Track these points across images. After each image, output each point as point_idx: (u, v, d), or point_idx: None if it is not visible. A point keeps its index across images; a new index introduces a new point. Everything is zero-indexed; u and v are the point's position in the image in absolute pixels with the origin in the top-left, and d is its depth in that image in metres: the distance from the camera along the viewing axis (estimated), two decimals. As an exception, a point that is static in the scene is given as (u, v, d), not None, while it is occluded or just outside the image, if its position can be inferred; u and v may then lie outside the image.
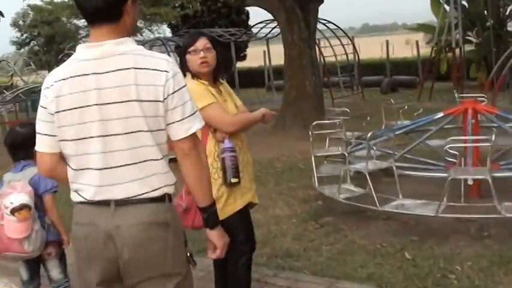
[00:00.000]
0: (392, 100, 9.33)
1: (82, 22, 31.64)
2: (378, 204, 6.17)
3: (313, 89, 13.70)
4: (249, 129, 4.21)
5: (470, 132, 6.88)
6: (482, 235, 5.89)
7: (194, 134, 2.59)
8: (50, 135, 2.58)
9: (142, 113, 2.47)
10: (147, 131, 2.49)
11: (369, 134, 6.91)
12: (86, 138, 2.50)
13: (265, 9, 14.01)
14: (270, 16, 17.92)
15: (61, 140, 2.56)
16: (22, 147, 4.14)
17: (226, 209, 3.95)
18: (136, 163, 2.52)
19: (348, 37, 20.19)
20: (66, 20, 31.72)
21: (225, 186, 3.93)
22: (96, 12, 2.50)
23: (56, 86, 2.52)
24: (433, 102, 16.95)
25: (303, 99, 13.33)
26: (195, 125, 2.57)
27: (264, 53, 23.89)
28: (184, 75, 3.57)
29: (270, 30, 20.47)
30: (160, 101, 2.48)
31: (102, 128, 2.48)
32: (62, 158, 2.63)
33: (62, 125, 2.52)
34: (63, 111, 2.50)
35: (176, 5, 28.89)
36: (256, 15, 30.21)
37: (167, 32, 31.67)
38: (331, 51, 19.73)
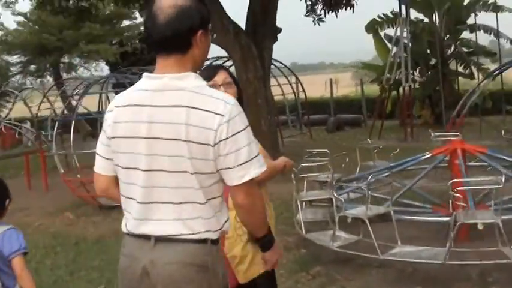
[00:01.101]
0: (369, 140, 9.06)
1: (13, 58, 30.69)
2: (379, 252, 5.79)
3: (268, 128, 13.37)
4: (272, 179, 3.75)
5: (464, 173, 6.63)
6: (486, 281, 5.64)
7: (250, 181, 2.45)
8: (105, 158, 2.62)
9: (189, 155, 2.38)
10: (193, 173, 2.40)
11: (353, 176, 6.58)
12: (134, 168, 2.48)
13: (219, 46, 13.64)
14: (214, 52, 17.67)
15: (115, 165, 2.57)
16: None
17: (252, 269, 3.48)
18: (178, 203, 2.44)
19: (295, 75, 20.01)
20: (-4, 55, 30.55)
21: (251, 244, 3.42)
22: (163, 41, 2.42)
23: (116, 111, 2.53)
24: (384, 141, 16.95)
25: (259, 139, 12.71)
26: (251, 172, 2.44)
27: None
28: None
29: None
30: (210, 145, 2.38)
31: (149, 162, 2.44)
32: (116, 180, 2.63)
33: (116, 151, 2.53)
34: (118, 137, 2.51)
35: (114, 41, 28.40)
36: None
37: (105, 70, 31.04)
38: (278, 90, 19.44)
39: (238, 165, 2.41)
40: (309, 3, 13.89)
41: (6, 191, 3.67)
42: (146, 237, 2.49)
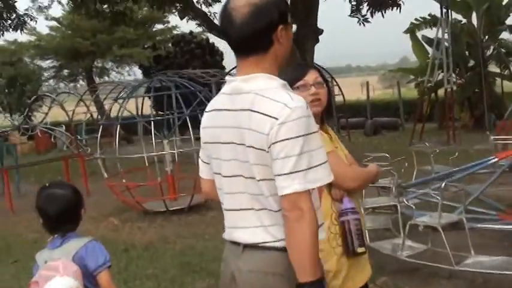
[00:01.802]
0: (426, 143, 8.74)
1: (46, 63, 30.82)
2: (453, 262, 5.49)
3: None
4: (365, 187, 3.49)
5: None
6: None
7: (296, 195, 2.20)
8: (204, 162, 2.60)
9: (254, 160, 2.29)
10: (259, 179, 2.30)
11: (415, 182, 6.28)
12: (218, 174, 2.47)
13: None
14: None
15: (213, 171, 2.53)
16: (64, 215, 3.27)
17: (347, 286, 3.19)
18: (256, 209, 2.36)
19: (333, 78, 19.70)
20: (29, 60, 30.64)
21: (346, 257, 3.16)
22: (242, 42, 2.34)
23: (205, 116, 2.53)
24: (424, 144, 16.59)
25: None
26: (294, 186, 2.20)
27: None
28: None
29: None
30: (265, 151, 2.25)
31: (228, 168, 2.39)
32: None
33: (209, 156, 2.53)
34: (207, 143, 2.52)
35: (146, 46, 28.36)
36: (231, 56, 29.96)
37: (138, 74, 31.02)
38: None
39: (282, 174, 2.21)
40: (353, 3, 13.59)
41: (81, 200, 3.41)
42: (237, 244, 2.45)
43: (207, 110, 2.53)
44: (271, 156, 2.23)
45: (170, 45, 28.25)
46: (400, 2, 13.16)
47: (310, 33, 13.24)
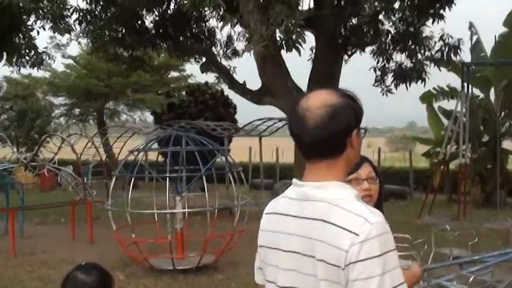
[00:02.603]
0: (447, 226, 8.54)
1: (58, 100, 30.89)
2: None
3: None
4: None
5: None
6: None
7: None
8: (259, 268, 2.45)
9: (322, 275, 2.07)
10: None
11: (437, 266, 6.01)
12: (272, 282, 2.28)
13: (281, 109, 13.39)
14: (260, 113, 17.39)
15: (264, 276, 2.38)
16: None
17: None
18: None
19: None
20: (42, 96, 30.73)
21: None
22: (315, 145, 2.16)
23: (264, 218, 2.39)
24: (435, 218, 16.43)
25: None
26: None
27: (250, 149, 23.20)
28: None
29: (266, 128, 19.84)
30: (340, 268, 2.03)
31: (285, 278, 2.21)
32: None
33: (263, 261, 2.36)
34: (263, 247, 2.35)
35: (160, 92, 28.41)
36: (244, 109, 30.02)
37: (149, 120, 31.00)
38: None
39: None
40: (378, 73, 13.58)
41: (110, 285, 3.22)
42: None
43: (266, 211, 2.38)
44: (349, 276, 2.03)
45: (184, 93, 28.31)
46: (425, 77, 13.15)
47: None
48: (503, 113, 20.11)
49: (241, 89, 13.66)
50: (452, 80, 20.35)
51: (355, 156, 2.24)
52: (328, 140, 2.14)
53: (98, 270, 3.24)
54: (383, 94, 13.47)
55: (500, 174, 19.04)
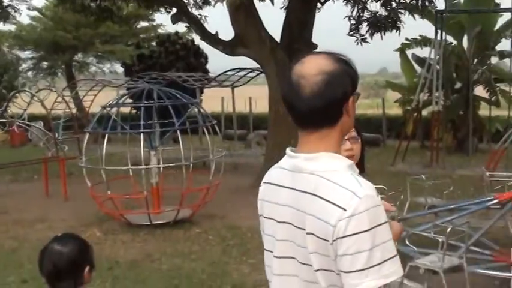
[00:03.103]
0: (423, 176, 8.56)
1: (25, 54, 30.25)
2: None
3: (297, 148, 12.82)
4: None
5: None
6: None
7: None
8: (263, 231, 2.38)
9: (313, 248, 2.02)
10: (317, 269, 2.03)
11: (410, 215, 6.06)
12: (269, 251, 2.24)
13: (254, 59, 13.20)
14: (232, 62, 17.18)
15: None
16: (66, 273, 3.01)
17: None
18: None
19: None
20: (8, 50, 30.03)
21: None
22: (311, 114, 2.05)
23: (263, 187, 2.31)
24: (409, 165, 16.57)
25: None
26: (366, 283, 1.95)
27: (222, 99, 23.03)
28: None
29: (239, 78, 19.68)
30: (328, 242, 1.98)
31: (281, 248, 2.17)
32: None
33: (263, 230, 2.32)
34: (263, 217, 2.29)
35: (130, 43, 27.93)
36: (215, 59, 29.69)
37: (119, 71, 30.53)
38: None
39: (352, 271, 1.96)
40: (353, 22, 13.40)
41: (86, 257, 3.12)
42: None
43: (264, 180, 2.29)
44: (337, 251, 1.98)
45: (154, 44, 27.87)
46: (400, 25, 13.01)
47: (304, 47, 13.00)
48: (475, 60, 20.16)
49: (213, 39, 13.37)
50: (426, 27, 20.28)
51: (350, 124, 2.14)
52: (325, 109, 2.03)
53: (75, 241, 3.14)
54: (358, 43, 13.31)
55: (473, 120, 19.18)
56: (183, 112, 10.58)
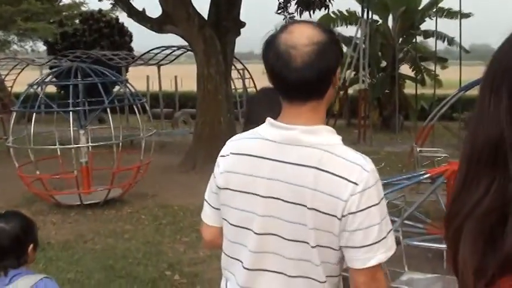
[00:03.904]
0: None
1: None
2: (389, 278, 5.43)
3: (228, 127, 12.81)
4: None
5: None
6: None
7: (376, 266, 2.02)
8: (214, 208, 2.32)
9: (312, 225, 1.98)
10: (314, 246, 2.00)
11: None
12: (244, 228, 2.13)
13: (182, 37, 13.04)
14: (157, 41, 17.00)
15: (223, 218, 2.24)
16: (9, 250, 2.94)
17: None
18: (292, 276, 2.07)
19: (246, 69, 19.49)
20: None
21: None
22: (303, 86, 2.01)
23: (230, 158, 2.18)
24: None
25: (217, 137, 12.26)
26: (379, 256, 2.01)
27: (148, 78, 22.75)
28: None
29: (164, 57, 19.43)
30: (337, 217, 1.96)
31: (263, 224, 2.07)
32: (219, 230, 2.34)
33: (226, 204, 2.20)
34: (230, 190, 2.16)
35: (52, 21, 27.12)
36: (140, 37, 29.24)
37: (41, 50, 29.63)
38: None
39: (365, 246, 1.99)
40: (281, 0, 13.42)
41: (30, 234, 3.05)
42: None
43: (233, 151, 2.18)
44: (348, 226, 1.98)
45: (77, 22, 27.19)
46: (329, 4, 13.13)
47: (232, 25, 12.97)
48: (400, 39, 20.60)
49: (140, 16, 13.12)
50: (352, 5, 20.57)
51: (333, 96, 2.17)
52: (317, 81, 2.00)
53: (18, 217, 3.07)
54: (286, 22, 13.33)
55: (398, 98, 19.65)
56: (110, 90, 10.42)
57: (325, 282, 2.07)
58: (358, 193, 1.95)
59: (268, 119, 2.11)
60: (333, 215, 1.96)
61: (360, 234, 1.98)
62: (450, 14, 19.90)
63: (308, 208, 1.98)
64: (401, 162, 12.66)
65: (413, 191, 8.49)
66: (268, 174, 2.05)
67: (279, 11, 13.59)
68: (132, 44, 27.85)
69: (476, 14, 19.90)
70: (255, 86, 19.58)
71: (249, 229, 2.12)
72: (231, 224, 2.19)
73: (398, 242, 5.84)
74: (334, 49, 2.03)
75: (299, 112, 2.04)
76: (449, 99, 11.28)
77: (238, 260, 2.19)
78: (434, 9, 19.68)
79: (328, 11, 13.19)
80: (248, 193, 2.10)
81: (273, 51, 2.01)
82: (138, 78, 23.39)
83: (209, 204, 2.33)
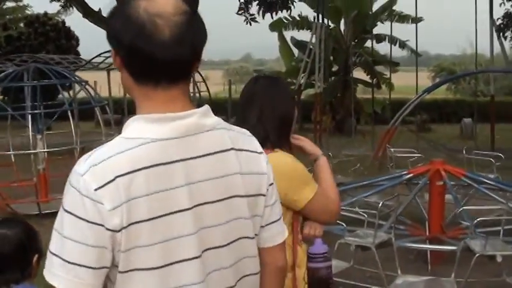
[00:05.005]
0: (330, 154, 8.54)
1: None
2: (385, 283, 5.40)
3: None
4: None
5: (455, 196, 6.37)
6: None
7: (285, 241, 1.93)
8: (95, 268, 1.51)
9: (248, 213, 1.72)
10: (253, 237, 1.76)
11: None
12: (178, 262, 1.58)
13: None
14: (105, 46, 16.56)
15: (129, 271, 1.54)
16: (12, 260, 2.57)
17: None
18: (235, 285, 1.73)
19: (199, 73, 19.21)
20: None
21: None
22: (176, 64, 1.59)
23: (122, 182, 1.51)
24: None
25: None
26: (285, 230, 1.91)
27: (95, 83, 22.22)
28: None
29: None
30: (262, 195, 1.76)
31: (201, 242, 1.61)
32: None
33: (137, 246, 1.53)
34: (137, 222, 1.52)
35: (-5, 24, 26.39)
36: (87, 41, 28.63)
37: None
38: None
39: (277, 220, 1.85)
40: (242, 0, 13.20)
41: (35, 242, 2.66)
42: None
43: (121, 171, 1.52)
44: (268, 200, 1.79)
45: (22, 25, 26.48)
46: (291, 6, 12.99)
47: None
48: (352, 43, 20.69)
49: (96, 17, 12.72)
50: (303, 10, 20.58)
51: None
52: (193, 57, 1.64)
53: (21, 224, 2.71)
54: (247, 23, 13.15)
55: (351, 102, 19.70)
56: (56, 95, 10.07)
57: (258, 273, 1.83)
58: (268, 163, 1.81)
59: (141, 116, 1.64)
60: (259, 194, 1.76)
61: (277, 205, 1.85)
62: (401, 18, 20.10)
63: (241, 196, 1.70)
64: (362, 165, 12.58)
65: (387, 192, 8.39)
66: (186, 179, 1.60)
67: (240, 12, 13.34)
68: (79, 49, 27.24)
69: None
70: (208, 91, 19.38)
71: (185, 260, 1.61)
72: (153, 269, 1.58)
73: (390, 244, 5.69)
74: (202, 22, 1.66)
75: (174, 96, 1.64)
76: (412, 102, 11.32)
77: None
78: (386, 13, 19.85)
79: (291, 12, 13.04)
80: (169, 214, 1.58)
81: (129, 23, 1.57)
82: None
83: (86, 266, 1.52)
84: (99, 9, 12.90)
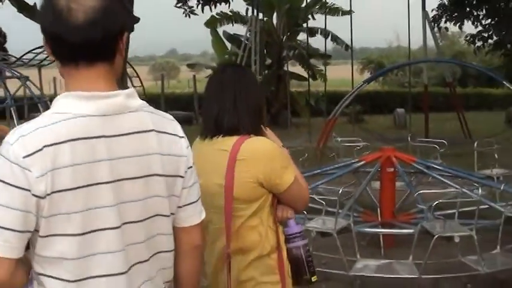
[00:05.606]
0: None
1: None
2: (347, 268, 5.47)
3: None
4: None
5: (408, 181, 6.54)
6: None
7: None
8: (20, 231, 1.65)
9: (165, 192, 1.86)
10: (168, 215, 1.90)
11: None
12: (96, 230, 1.72)
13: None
14: (34, 42, 16.22)
15: (50, 236, 1.69)
16: None
17: None
18: (148, 259, 1.87)
19: (133, 68, 19.05)
20: None
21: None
22: (88, 47, 1.72)
23: (48, 152, 1.65)
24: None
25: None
26: (204, 211, 2.06)
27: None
28: None
29: (46, 57, 18.51)
30: (180, 176, 1.91)
31: (121, 216, 1.76)
32: (20, 262, 1.72)
33: (58, 213, 1.67)
34: (60, 191, 1.66)
35: None
36: (15, 38, 27.79)
37: None
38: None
39: (195, 202, 2.00)
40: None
41: None
42: None
43: (48, 142, 1.66)
44: (186, 182, 1.94)
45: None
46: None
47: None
48: (285, 37, 20.85)
49: (32, 12, 12.39)
50: (236, 4, 20.62)
51: (121, 67, 1.93)
52: (104, 41, 1.74)
53: None
54: (186, 15, 13.05)
55: (285, 96, 19.89)
56: None
57: (172, 251, 1.97)
58: (188, 147, 1.94)
59: (70, 93, 1.75)
60: (177, 176, 1.90)
61: (196, 187, 1.99)
62: (332, 11, 20.38)
63: (160, 175, 1.84)
64: (301, 156, 12.74)
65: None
66: (107, 154, 1.73)
67: (179, 5, 13.21)
68: (6, 45, 26.40)
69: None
70: (142, 86, 19.24)
71: (104, 229, 1.74)
72: (74, 235, 1.70)
73: (348, 230, 5.81)
74: (122, 9, 1.81)
75: (93, 77, 1.77)
76: (352, 92, 11.54)
77: (96, 276, 1.76)
78: (317, 7, 20.09)
79: (229, 5, 13.05)
80: (90, 185, 1.70)
81: (50, 10, 1.72)
82: (14, 81, 22.25)
83: (9, 229, 1.64)
84: (34, 3, 12.58)
